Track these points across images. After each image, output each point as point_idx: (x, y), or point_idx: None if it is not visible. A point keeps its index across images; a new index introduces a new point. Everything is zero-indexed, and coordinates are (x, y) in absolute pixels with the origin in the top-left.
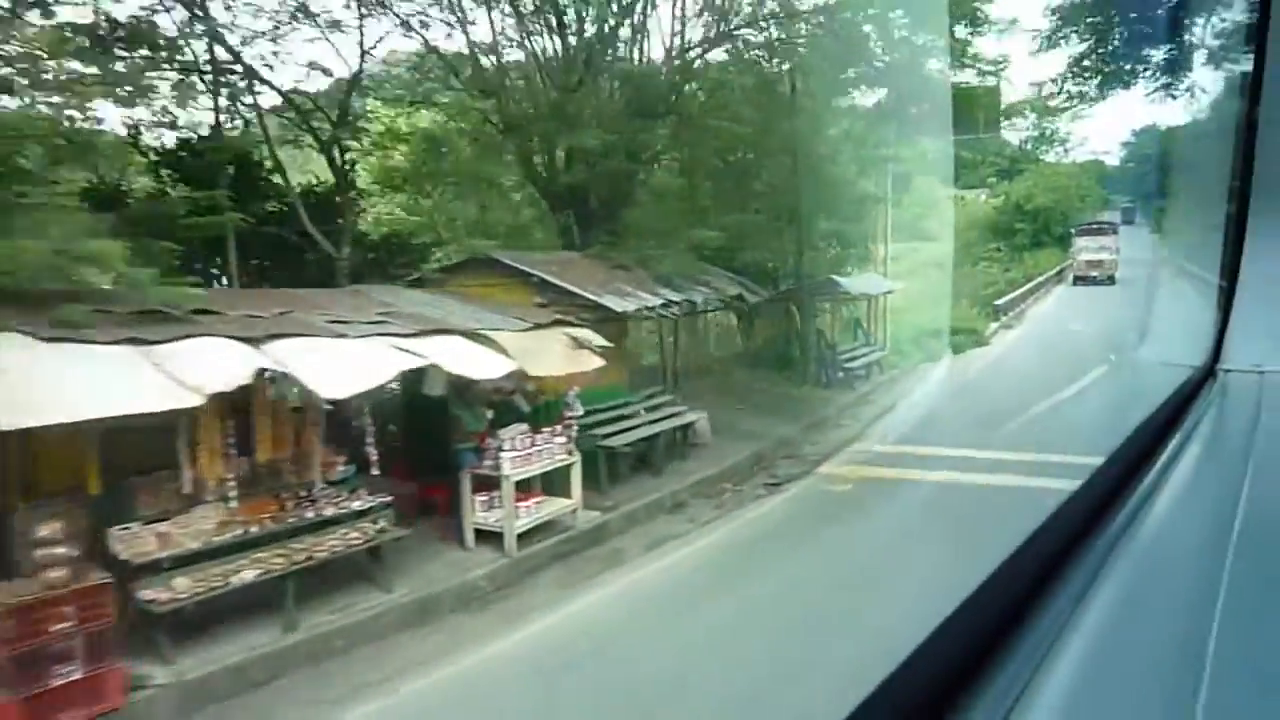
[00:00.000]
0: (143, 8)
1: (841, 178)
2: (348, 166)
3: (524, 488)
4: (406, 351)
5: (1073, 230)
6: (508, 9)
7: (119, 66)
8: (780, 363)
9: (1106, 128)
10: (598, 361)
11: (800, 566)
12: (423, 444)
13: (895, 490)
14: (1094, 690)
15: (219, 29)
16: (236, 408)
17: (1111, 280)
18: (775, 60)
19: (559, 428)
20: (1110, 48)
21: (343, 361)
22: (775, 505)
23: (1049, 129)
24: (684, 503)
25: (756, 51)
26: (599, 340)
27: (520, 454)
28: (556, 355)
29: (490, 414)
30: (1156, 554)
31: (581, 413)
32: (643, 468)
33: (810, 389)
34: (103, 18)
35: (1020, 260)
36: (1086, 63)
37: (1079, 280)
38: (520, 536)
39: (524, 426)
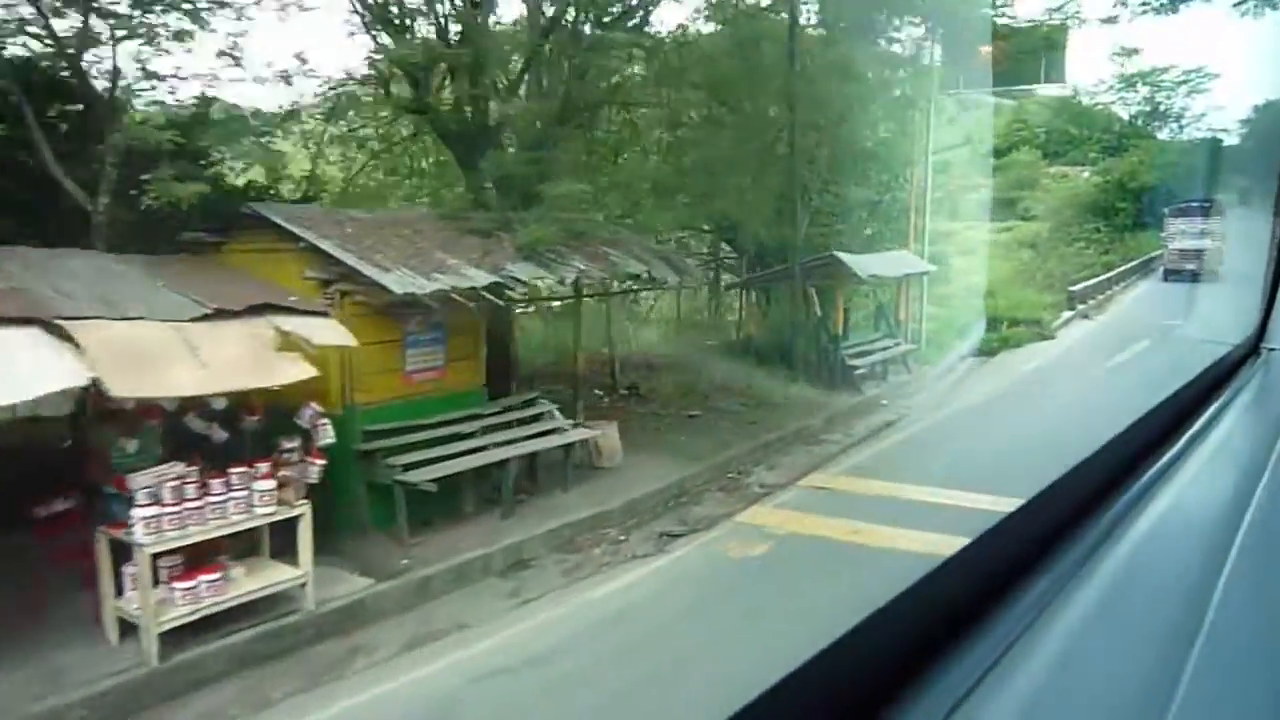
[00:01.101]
0: None
1: (861, 138)
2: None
3: (202, 555)
4: None
5: (1165, 210)
6: None
7: None
8: (771, 357)
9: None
10: (298, 370)
11: None
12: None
13: (833, 563)
14: (1065, 677)
15: None
16: None
17: (1214, 275)
18: None
19: (269, 464)
20: None
21: None
22: (640, 579)
23: (1162, 104)
24: (526, 561)
25: None
26: (328, 335)
27: (173, 510)
28: (213, 361)
29: (134, 445)
30: (1161, 533)
31: (330, 438)
32: (494, 504)
33: (803, 390)
34: None
35: (1122, 241)
36: None
37: (1170, 275)
38: (180, 632)
39: (180, 467)
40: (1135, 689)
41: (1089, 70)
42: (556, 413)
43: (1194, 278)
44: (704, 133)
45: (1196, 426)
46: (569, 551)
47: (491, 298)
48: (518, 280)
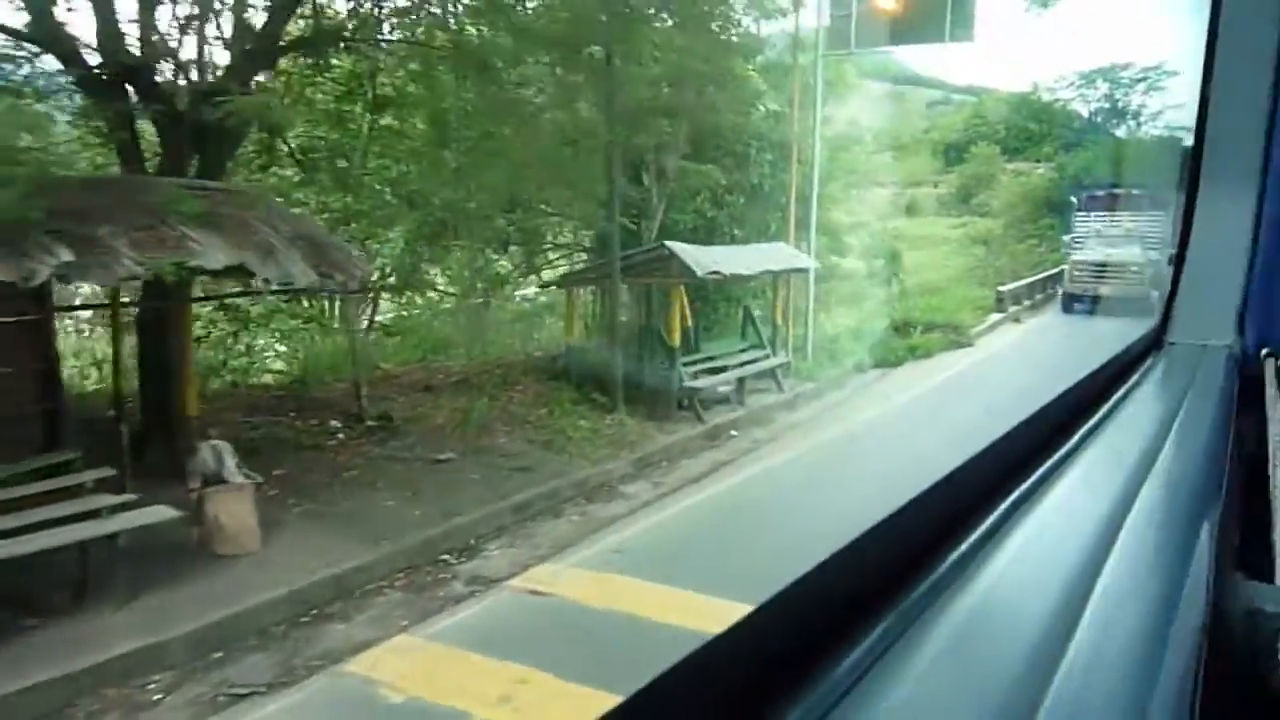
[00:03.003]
0: None
1: (729, 107)
2: None
3: None
4: None
5: (1073, 199)
6: None
7: None
8: (593, 374)
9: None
10: None
11: None
12: None
13: None
14: (938, 683)
15: None
16: None
17: (1140, 305)
18: None
19: None
20: None
21: None
22: None
23: (1120, 101)
24: None
25: None
26: None
27: None
28: None
29: None
30: (1044, 536)
31: None
32: None
33: (622, 419)
34: None
35: None
36: None
37: (1074, 302)
38: None
39: None
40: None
41: (1002, 28)
42: (91, 483)
43: (1114, 308)
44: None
45: (1092, 422)
46: None
47: None
48: None
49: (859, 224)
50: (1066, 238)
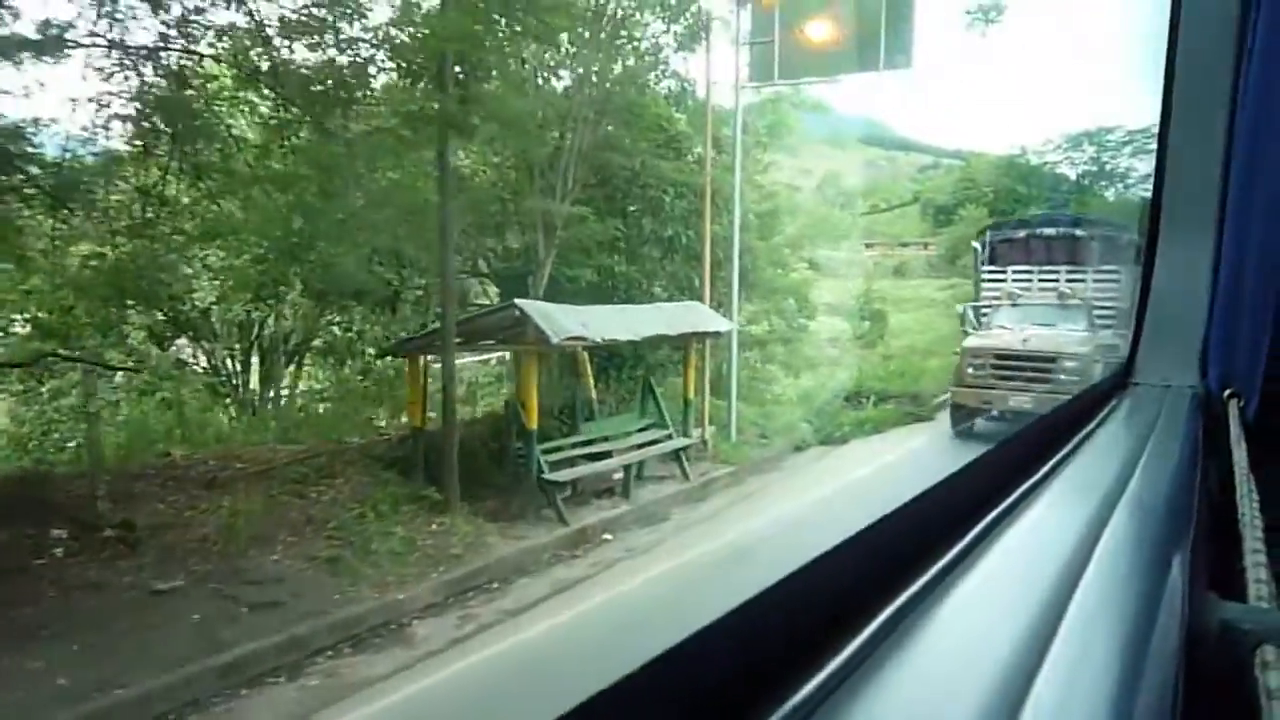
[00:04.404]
0: None
1: (597, 141)
2: None
3: None
4: None
5: (976, 246)
6: None
7: None
8: (428, 462)
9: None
10: None
11: None
12: None
13: None
14: (910, 702)
15: None
16: None
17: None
18: None
19: None
20: None
21: None
22: None
23: (1108, 163)
24: None
25: None
26: None
27: None
28: None
29: None
30: (1020, 552)
31: None
32: None
33: (455, 523)
34: None
35: None
36: None
37: (966, 419)
38: None
39: None
40: None
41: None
42: None
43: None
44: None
45: (1060, 455)
46: None
47: None
48: None
49: (838, 284)
50: (961, 308)
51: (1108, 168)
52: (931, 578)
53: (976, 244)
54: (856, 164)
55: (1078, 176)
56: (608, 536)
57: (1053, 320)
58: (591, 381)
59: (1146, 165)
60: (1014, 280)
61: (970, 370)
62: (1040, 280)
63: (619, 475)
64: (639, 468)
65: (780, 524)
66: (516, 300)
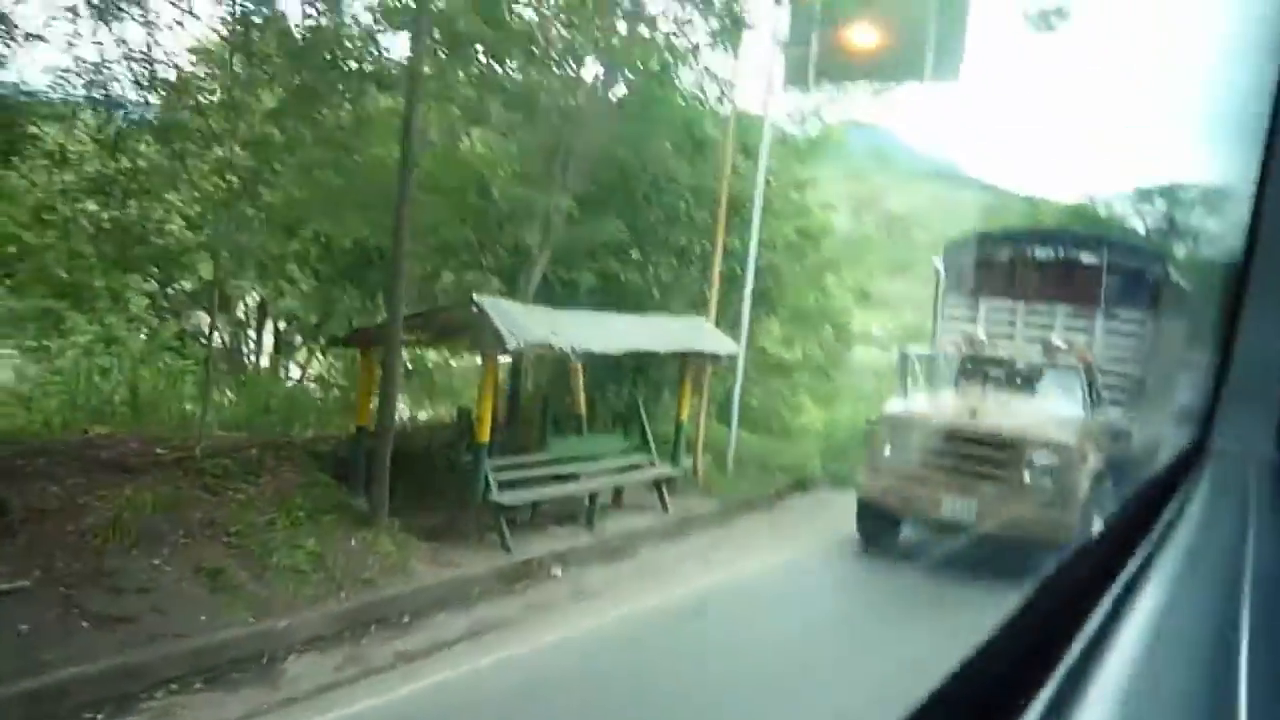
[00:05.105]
0: None
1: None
2: None
3: None
4: None
5: (939, 267)
6: None
7: None
8: (367, 470)
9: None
10: None
11: None
12: None
13: None
14: None
15: None
16: None
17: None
18: None
19: None
20: None
21: None
22: None
23: (1179, 220)
24: None
25: None
26: None
27: None
28: None
29: None
30: (1151, 643)
31: None
32: None
33: (378, 540)
34: None
35: None
36: None
37: (878, 526)
38: None
39: None
40: None
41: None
42: None
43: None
44: None
45: (1156, 534)
46: None
47: None
48: None
49: (888, 316)
50: (900, 352)
51: (1178, 224)
52: (1072, 669)
53: (938, 262)
54: (911, 190)
55: (1147, 230)
56: (556, 572)
57: (1031, 385)
58: (583, 396)
59: (1216, 224)
60: (988, 318)
61: (888, 452)
62: (1026, 322)
63: (597, 500)
64: (615, 495)
65: (745, 577)
66: (476, 296)
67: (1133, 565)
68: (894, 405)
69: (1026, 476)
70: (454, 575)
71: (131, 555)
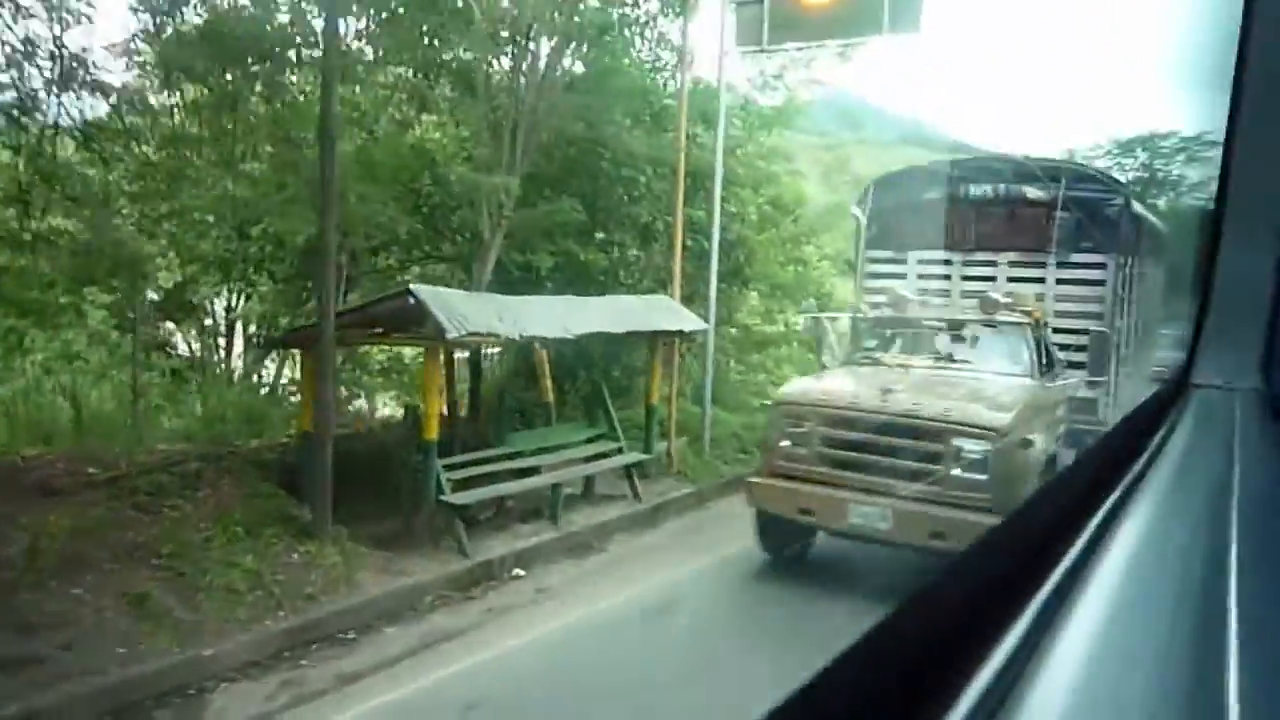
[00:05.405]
0: None
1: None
2: None
3: None
4: None
5: (858, 215)
6: None
7: None
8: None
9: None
10: None
11: None
12: None
13: None
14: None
15: None
16: None
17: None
18: None
19: None
20: None
21: None
22: None
23: (1160, 170)
24: None
25: None
26: None
27: None
28: None
29: None
30: (1139, 559)
31: None
32: None
33: (323, 551)
34: None
35: None
36: None
37: (778, 536)
38: None
39: None
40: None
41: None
42: None
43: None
44: None
45: (1141, 463)
46: None
47: None
48: None
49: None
50: (805, 321)
51: (1159, 175)
52: (1061, 579)
53: (856, 210)
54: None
55: (1128, 182)
56: (519, 572)
57: (964, 351)
58: (549, 385)
59: (1196, 173)
60: (919, 271)
61: (785, 445)
62: (964, 275)
63: (570, 490)
64: (586, 485)
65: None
66: (412, 286)
67: (1119, 488)
68: (792, 386)
69: (955, 470)
70: (405, 584)
71: (48, 587)
